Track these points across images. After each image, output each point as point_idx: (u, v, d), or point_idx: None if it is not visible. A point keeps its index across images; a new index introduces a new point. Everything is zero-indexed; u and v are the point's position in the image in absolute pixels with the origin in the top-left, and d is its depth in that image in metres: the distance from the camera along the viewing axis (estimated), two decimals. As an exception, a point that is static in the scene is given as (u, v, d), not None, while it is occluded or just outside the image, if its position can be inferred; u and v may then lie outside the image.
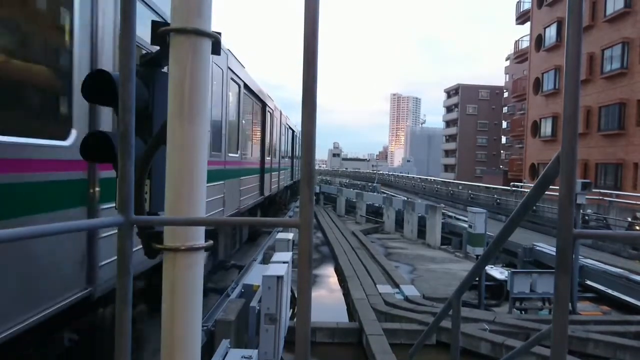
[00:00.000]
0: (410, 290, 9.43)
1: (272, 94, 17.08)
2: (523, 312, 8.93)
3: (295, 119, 24.08)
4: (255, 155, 12.98)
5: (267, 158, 14.62)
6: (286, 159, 21.39)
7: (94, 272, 3.46)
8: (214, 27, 1.67)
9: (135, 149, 1.07)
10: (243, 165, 10.88)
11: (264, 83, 14.52)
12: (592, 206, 19.90)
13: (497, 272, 10.93)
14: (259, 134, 13.63)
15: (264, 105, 13.87)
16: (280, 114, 18.30)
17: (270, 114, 15.25)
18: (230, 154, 9.34)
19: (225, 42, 8.65)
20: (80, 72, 3.30)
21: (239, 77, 9.96)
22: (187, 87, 1.59)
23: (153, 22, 1.92)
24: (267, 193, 14.47)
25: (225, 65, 8.72)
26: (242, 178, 10.59)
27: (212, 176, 8.11)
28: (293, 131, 24.05)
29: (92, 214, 3.49)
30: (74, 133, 3.30)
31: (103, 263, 3.58)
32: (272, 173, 15.89)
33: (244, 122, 10.99)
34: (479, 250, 11.34)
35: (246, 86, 10.83)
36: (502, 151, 73.45)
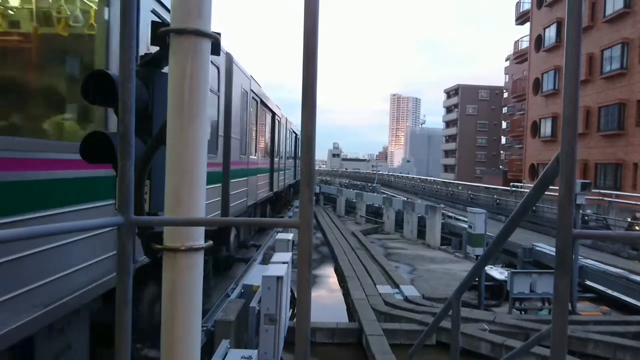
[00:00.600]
0: (410, 291, 9.43)
1: (274, 95, 17.74)
2: (523, 312, 8.93)
3: (295, 119, 24.53)
4: (267, 157, 15.17)
5: (275, 159, 16.63)
6: (290, 160, 23.23)
7: None
8: (214, 27, 1.68)
9: (135, 149, 1.07)
10: (259, 166, 13.02)
11: (266, 84, 15.50)
12: (591, 206, 19.90)
13: (497, 273, 10.93)
14: (269, 139, 15.84)
15: (273, 114, 16.04)
16: (286, 120, 20.36)
17: (278, 121, 17.33)
18: (251, 157, 11.53)
19: (248, 68, 11.01)
20: None
21: (257, 95, 12.33)
22: (186, 87, 1.59)
23: (153, 22, 1.92)
24: (275, 189, 16.61)
25: (249, 87, 11.11)
26: (258, 176, 12.84)
27: (239, 174, 10.31)
28: (295, 134, 25.52)
29: None
30: None
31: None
32: (279, 172, 17.94)
33: (259, 130, 13.26)
34: (479, 251, 11.33)
35: (262, 102, 13.23)
36: (501, 151, 73.45)
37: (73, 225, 1.01)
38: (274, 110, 16.03)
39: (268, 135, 15.53)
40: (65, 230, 0.99)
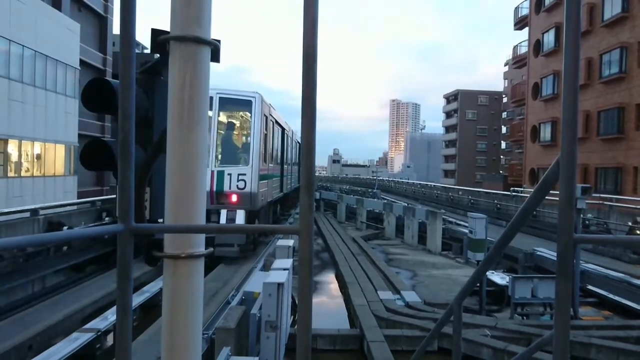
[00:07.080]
0: (411, 296, 9.40)
1: (275, 101, 16.38)
2: (524, 317, 8.89)
3: (296, 126, 23.28)
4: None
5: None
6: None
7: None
8: (217, 34, 1.68)
9: (135, 156, 1.08)
10: None
11: (267, 90, 14.08)
12: (592, 211, 19.87)
13: (498, 278, 10.90)
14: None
15: None
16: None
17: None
18: None
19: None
20: None
21: None
22: (186, 95, 1.59)
23: (152, 29, 1.93)
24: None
25: None
26: None
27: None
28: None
29: None
30: None
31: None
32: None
33: None
34: (480, 256, 11.31)
35: None
36: (501, 156, 73.50)
37: (74, 233, 1.01)
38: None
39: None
40: (66, 238, 0.99)
